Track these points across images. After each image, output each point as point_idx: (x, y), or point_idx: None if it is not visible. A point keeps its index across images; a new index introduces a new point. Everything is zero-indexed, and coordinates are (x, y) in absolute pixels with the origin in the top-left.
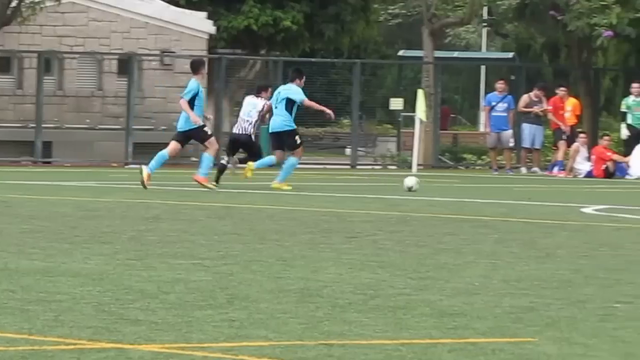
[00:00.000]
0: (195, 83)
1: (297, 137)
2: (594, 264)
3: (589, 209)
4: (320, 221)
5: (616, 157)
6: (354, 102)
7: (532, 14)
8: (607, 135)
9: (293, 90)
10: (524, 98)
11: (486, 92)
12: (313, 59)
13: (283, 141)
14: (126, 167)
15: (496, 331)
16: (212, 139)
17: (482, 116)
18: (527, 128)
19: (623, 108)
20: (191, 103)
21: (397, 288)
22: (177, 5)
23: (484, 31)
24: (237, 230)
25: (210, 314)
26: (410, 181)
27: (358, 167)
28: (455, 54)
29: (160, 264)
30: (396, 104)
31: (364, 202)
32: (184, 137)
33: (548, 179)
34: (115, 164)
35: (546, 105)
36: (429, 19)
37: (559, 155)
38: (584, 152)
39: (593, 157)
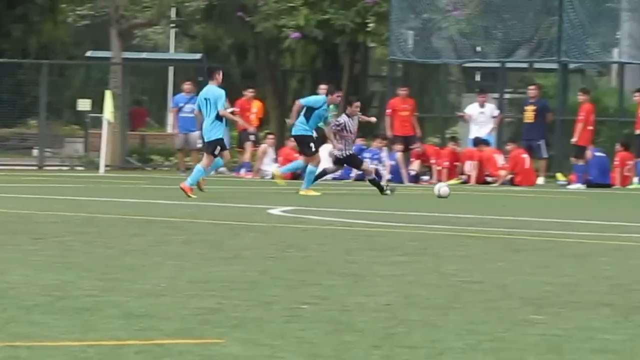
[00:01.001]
0: (219, 89)
1: (311, 144)
2: (281, 265)
3: (276, 211)
4: (6, 222)
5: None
6: (41, 103)
7: (220, 15)
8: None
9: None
10: None
11: (174, 93)
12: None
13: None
14: None
15: (183, 332)
16: (226, 151)
17: (170, 117)
18: None
19: None
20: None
21: (84, 289)
22: None
23: (172, 32)
24: None
25: None
26: (443, 190)
27: (45, 168)
28: (144, 55)
29: None
30: (84, 105)
31: (51, 203)
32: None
33: (235, 180)
34: None
35: (232, 107)
36: (117, 19)
37: (246, 157)
38: (271, 153)
39: (280, 158)
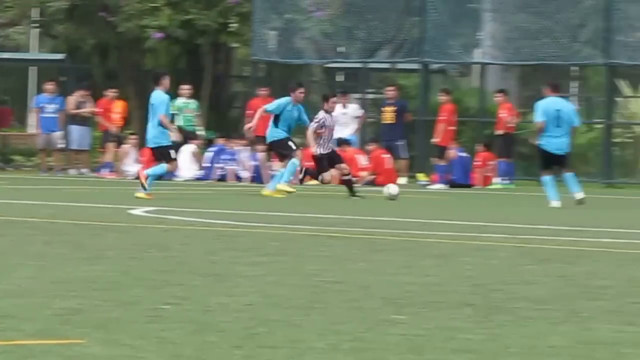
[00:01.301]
0: (163, 95)
1: (289, 143)
2: (143, 265)
3: (137, 211)
4: None
5: None
6: None
7: (82, 15)
8: None
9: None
10: (71, 99)
11: (37, 94)
12: None
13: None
14: None
15: (45, 333)
16: (175, 162)
17: (32, 117)
18: (75, 130)
19: (173, 110)
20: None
21: None
22: None
23: (35, 32)
24: None
25: None
26: (393, 190)
27: None
28: (6, 55)
29: None
30: None
31: None
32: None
33: (97, 181)
34: None
35: (93, 107)
36: None
37: (108, 157)
38: (133, 154)
39: (143, 159)
